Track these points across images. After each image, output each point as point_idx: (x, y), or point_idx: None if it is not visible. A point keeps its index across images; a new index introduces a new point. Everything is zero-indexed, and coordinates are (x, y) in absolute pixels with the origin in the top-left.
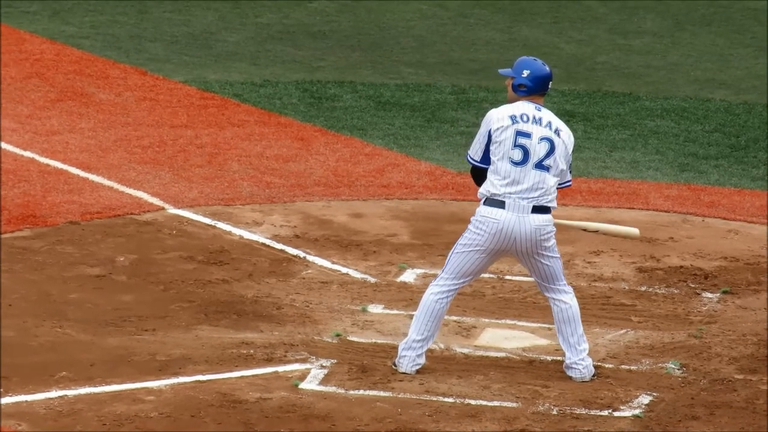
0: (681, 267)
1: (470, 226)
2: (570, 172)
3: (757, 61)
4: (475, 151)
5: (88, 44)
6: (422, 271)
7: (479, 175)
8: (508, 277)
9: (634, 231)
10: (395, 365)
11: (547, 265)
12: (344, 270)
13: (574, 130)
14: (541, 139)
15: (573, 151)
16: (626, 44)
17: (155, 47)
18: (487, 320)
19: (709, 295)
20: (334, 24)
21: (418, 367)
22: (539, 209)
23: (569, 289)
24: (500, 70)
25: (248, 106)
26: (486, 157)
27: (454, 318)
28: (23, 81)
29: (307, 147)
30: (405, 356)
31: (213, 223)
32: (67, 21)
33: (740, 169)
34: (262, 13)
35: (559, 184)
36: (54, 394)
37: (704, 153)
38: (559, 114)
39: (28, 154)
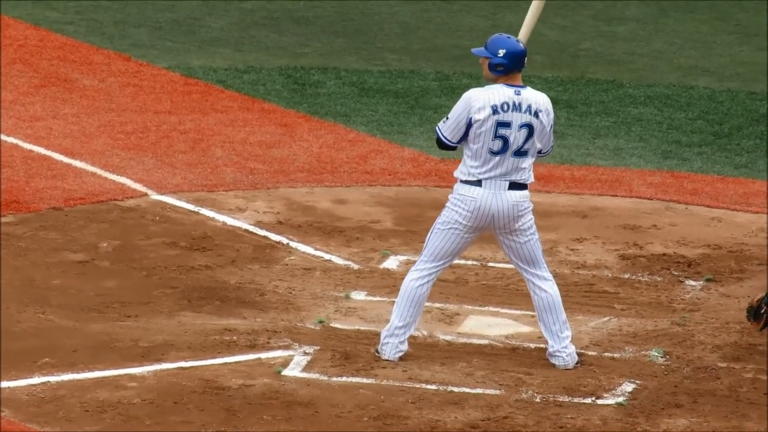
0: (664, 254)
1: (448, 204)
2: (551, 139)
3: (741, 49)
4: (451, 134)
5: (72, 30)
6: (405, 257)
7: (448, 147)
8: (491, 264)
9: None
10: (378, 352)
11: (526, 242)
12: (327, 256)
13: (557, 117)
14: (521, 126)
15: (554, 122)
16: (610, 31)
17: (139, 33)
18: (470, 307)
19: (693, 282)
20: (318, 10)
21: (401, 354)
22: (516, 186)
23: (550, 276)
24: (474, 50)
25: (232, 92)
26: (461, 139)
27: (438, 305)
28: (7, 67)
29: (290, 133)
30: (388, 343)
31: (196, 209)
32: (51, 6)
33: (723, 156)
34: None
35: (543, 153)
36: (37, 380)
37: (687, 140)
38: None
39: (11, 139)
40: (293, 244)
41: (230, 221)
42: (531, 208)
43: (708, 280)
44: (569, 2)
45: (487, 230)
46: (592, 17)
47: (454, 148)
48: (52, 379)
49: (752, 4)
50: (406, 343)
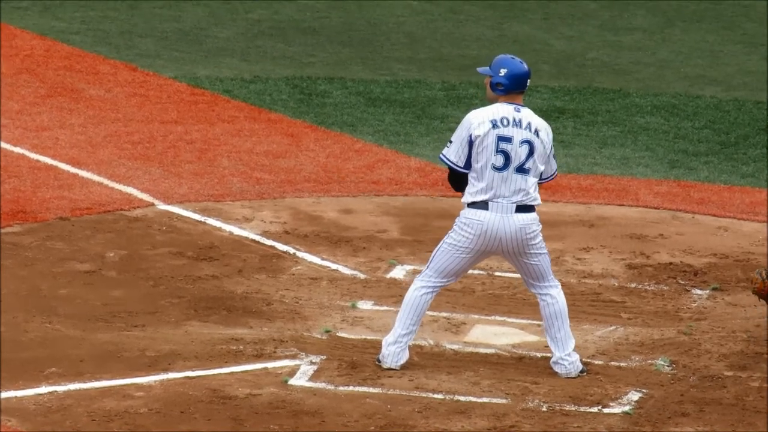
0: (671, 264)
1: (455, 227)
2: (554, 164)
3: (748, 58)
4: (457, 157)
5: (78, 40)
6: (412, 267)
7: (458, 179)
8: (498, 274)
9: None
10: (379, 360)
11: (535, 263)
12: (334, 266)
13: (564, 127)
14: (522, 142)
15: (553, 146)
16: (616, 41)
17: (145, 43)
18: (476, 316)
19: (699, 291)
20: (325, 20)
21: (402, 362)
22: (523, 208)
23: (556, 283)
24: (479, 69)
25: (238, 102)
26: (468, 162)
27: (444, 314)
28: (14, 77)
29: (297, 143)
30: (389, 351)
31: (203, 219)
32: (57, 16)
33: (730, 165)
34: (253, 8)
35: (544, 179)
36: (44, 389)
37: (694, 150)
38: (549, 110)
39: (18, 149)
40: (300, 254)
41: (237, 231)
42: (540, 229)
43: (714, 289)
44: (576, 12)
45: (495, 253)
46: (598, 27)
47: (464, 176)
48: (59, 388)
49: (759, 14)
50: (408, 351)
